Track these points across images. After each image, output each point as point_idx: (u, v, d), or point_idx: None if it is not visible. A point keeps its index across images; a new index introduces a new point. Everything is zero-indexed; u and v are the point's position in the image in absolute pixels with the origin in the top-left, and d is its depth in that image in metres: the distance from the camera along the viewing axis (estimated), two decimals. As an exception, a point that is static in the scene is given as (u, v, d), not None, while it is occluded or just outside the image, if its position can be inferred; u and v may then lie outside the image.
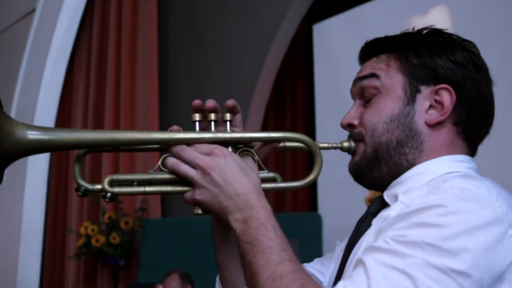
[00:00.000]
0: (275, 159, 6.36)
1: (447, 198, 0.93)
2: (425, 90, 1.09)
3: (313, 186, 5.95)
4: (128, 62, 5.51)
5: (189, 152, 1.06)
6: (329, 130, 5.30)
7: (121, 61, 5.50)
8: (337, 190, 5.10)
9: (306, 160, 6.43)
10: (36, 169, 5.21)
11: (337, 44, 5.64)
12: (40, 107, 5.23)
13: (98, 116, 5.54)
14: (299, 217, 5.06)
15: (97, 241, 4.89)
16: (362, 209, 1.24)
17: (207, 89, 5.67)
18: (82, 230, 5.00)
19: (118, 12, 5.62)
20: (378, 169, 1.11)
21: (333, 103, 5.42)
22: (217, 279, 1.23)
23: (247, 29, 5.60)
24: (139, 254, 4.97)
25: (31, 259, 5.15)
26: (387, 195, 1.10)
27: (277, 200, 6.29)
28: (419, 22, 4.74)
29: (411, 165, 1.09)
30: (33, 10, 5.50)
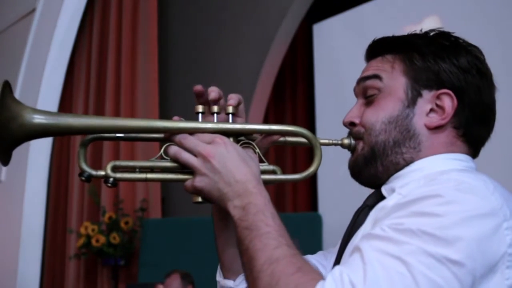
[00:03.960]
0: (275, 155, 6.36)
1: (444, 188, 0.95)
2: (427, 94, 1.11)
3: (313, 186, 5.95)
4: (128, 61, 5.51)
5: (191, 140, 1.07)
6: (329, 130, 5.30)
7: (121, 60, 5.51)
8: (337, 190, 5.09)
9: (306, 156, 6.43)
10: (36, 169, 5.21)
11: (337, 44, 5.64)
12: (40, 107, 5.22)
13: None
14: (299, 217, 5.06)
15: (97, 241, 4.90)
16: (362, 209, 1.24)
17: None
18: (82, 230, 5.00)
19: (118, 12, 5.62)
20: (374, 167, 1.12)
21: (333, 103, 5.42)
22: (218, 267, 1.25)
23: (247, 29, 5.60)
24: (139, 254, 4.97)
25: (31, 259, 5.15)
26: (385, 189, 1.12)
27: (277, 200, 6.29)
28: (417, 22, 4.75)
29: (408, 163, 1.10)
30: (33, 10, 5.51)
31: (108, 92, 5.47)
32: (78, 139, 5.04)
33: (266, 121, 6.02)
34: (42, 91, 5.24)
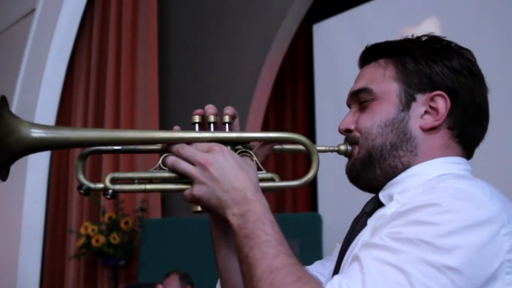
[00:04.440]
0: (275, 162, 6.36)
1: (442, 197, 0.95)
2: (421, 98, 1.11)
3: (313, 186, 5.95)
4: (128, 62, 5.51)
5: (188, 149, 1.08)
6: (329, 130, 5.30)
7: (121, 61, 5.51)
8: (337, 190, 5.10)
9: (306, 162, 6.42)
10: (36, 169, 5.21)
11: (337, 44, 5.65)
12: (40, 107, 5.23)
13: (98, 116, 5.54)
14: (299, 217, 5.06)
15: (97, 241, 4.90)
16: (362, 209, 1.24)
17: (207, 89, 5.67)
18: (82, 230, 5.00)
19: (118, 12, 5.63)
20: (372, 171, 1.12)
21: (333, 103, 5.42)
22: (217, 284, 1.24)
23: (247, 29, 5.60)
24: (139, 254, 4.97)
25: (31, 259, 5.15)
26: (382, 195, 1.12)
27: (277, 200, 6.29)
28: (418, 24, 4.74)
29: (405, 167, 1.10)
30: (33, 10, 5.51)
31: (108, 92, 5.47)
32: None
33: (266, 120, 6.02)
34: (42, 91, 5.24)
